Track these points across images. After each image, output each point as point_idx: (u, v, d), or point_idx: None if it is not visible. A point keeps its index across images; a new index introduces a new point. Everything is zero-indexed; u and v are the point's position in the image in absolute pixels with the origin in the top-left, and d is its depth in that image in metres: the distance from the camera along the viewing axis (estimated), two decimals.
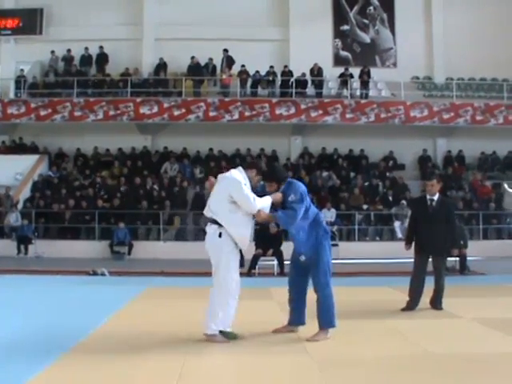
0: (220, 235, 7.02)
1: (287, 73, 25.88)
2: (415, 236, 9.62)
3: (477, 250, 17.93)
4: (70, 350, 6.63)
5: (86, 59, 26.84)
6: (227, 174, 7.26)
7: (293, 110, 24.93)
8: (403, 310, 9.36)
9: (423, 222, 9.51)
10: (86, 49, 26.65)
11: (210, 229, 7.14)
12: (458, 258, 15.01)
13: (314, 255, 7.27)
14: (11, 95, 26.37)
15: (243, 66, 25.72)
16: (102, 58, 26.80)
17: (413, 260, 9.63)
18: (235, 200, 6.99)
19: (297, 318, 7.43)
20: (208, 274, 7.27)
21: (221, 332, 7.06)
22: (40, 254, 20.51)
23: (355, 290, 12.28)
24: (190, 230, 22.73)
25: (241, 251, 7.16)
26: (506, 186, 23.76)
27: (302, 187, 7.31)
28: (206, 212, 7.25)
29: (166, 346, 6.85)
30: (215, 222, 7.09)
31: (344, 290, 11.94)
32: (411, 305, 9.42)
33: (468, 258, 15.89)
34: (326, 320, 7.26)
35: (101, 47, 26.60)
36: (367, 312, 9.33)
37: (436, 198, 9.54)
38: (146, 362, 6.20)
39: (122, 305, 9.82)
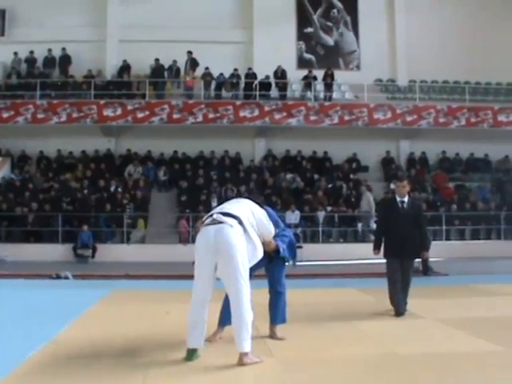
0: (243, 234, 6.25)
1: (251, 75, 25.92)
2: (385, 239, 9.41)
3: (440, 251, 18.09)
4: (24, 362, 6.27)
5: (48, 61, 26.54)
6: (248, 201, 6.80)
7: (257, 113, 24.94)
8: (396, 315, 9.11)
9: (394, 224, 9.31)
10: (49, 50, 26.33)
11: (230, 222, 6.23)
12: (420, 259, 15.12)
13: (280, 259, 7.39)
14: None
15: (207, 68, 25.66)
16: (65, 60, 26.50)
17: (385, 264, 9.45)
18: (258, 228, 6.57)
19: (229, 318, 6.92)
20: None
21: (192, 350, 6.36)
22: (3, 258, 20.25)
23: (320, 291, 12.33)
24: (154, 232, 22.67)
25: None
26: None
27: (274, 213, 7.43)
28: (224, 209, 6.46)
29: (126, 357, 6.57)
30: (238, 219, 6.31)
31: (309, 291, 12.05)
32: (399, 310, 9.13)
33: (431, 259, 16.04)
34: (285, 317, 7.49)
35: (63, 49, 26.30)
36: (332, 313, 9.34)
37: (406, 199, 9.39)
38: (105, 375, 5.89)
39: (85, 309, 9.70)
